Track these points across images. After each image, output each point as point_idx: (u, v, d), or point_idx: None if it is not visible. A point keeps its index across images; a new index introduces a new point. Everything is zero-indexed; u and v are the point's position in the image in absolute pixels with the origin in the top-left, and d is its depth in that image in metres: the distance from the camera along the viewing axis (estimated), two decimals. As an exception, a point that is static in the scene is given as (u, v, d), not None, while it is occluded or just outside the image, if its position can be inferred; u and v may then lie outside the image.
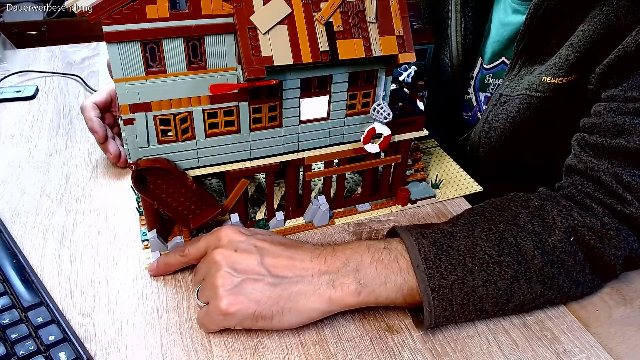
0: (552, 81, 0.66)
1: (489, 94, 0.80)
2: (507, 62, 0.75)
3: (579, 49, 0.62)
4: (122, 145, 0.76)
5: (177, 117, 0.51)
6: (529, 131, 0.72)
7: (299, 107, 0.55)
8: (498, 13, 0.76)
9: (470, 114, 0.86)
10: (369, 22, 0.51)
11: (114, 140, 0.76)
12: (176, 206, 0.55)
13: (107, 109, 0.78)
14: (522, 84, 0.70)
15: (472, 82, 0.83)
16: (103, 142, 0.74)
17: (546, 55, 0.68)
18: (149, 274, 0.57)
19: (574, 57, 0.63)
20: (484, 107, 0.81)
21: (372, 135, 0.59)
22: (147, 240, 0.60)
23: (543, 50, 0.68)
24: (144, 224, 0.60)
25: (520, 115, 0.71)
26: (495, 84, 0.78)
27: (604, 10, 0.59)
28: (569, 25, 0.64)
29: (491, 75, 0.79)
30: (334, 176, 0.65)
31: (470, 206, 0.68)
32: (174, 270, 0.57)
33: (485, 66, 0.80)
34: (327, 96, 0.56)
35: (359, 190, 0.69)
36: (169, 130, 0.51)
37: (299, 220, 0.66)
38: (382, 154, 0.65)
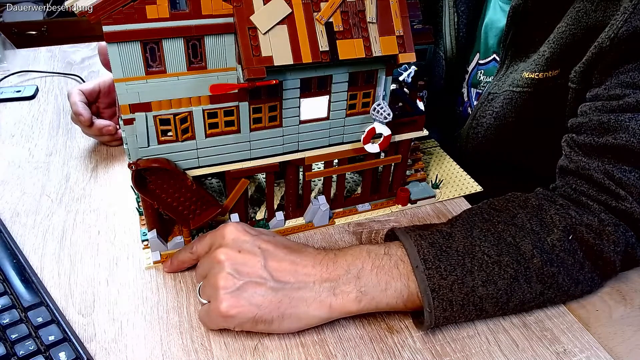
0: (529, 76, 0.68)
1: (480, 91, 0.82)
2: (498, 59, 0.77)
3: (554, 45, 0.65)
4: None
5: (177, 117, 0.51)
6: (512, 126, 0.74)
7: (299, 107, 0.55)
8: (489, 10, 0.78)
9: (461, 108, 0.87)
10: (369, 22, 0.51)
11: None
12: (176, 206, 0.55)
13: (94, 101, 0.79)
14: (507, 81, 0.72)
15: (466, 77, 0.84)
16: (89, 125, 0.74)
17: (530, 53, 0.70)
18: (165, 271, 0.58)
19: (549, 53, 0.65)
20: (475, 104, 0.82)
21: (372, 135, 0.59)
22: (147, 240, 0.60)
23: (527, 49, 0.70)
24: (144, 224, 0.60)
25: (504, 110, 0.73)
26: (486, 81, 0.80)
27: (576, 7, 0.61)
28: (549, 24, 0.66)
29: (483, 72, 0.80)
30: (334, 176, 0.65)
31: (470, 206, 0.69)
32: (187, 267, 0.57)
33: (480, 61, 0.81)
34: (327, 96, 0.56)
35: (359, 190, 0.69)
36: (169, 130, 0.52)
37: (299, 220, 0.66)
38: (382, 154, 0.65)
